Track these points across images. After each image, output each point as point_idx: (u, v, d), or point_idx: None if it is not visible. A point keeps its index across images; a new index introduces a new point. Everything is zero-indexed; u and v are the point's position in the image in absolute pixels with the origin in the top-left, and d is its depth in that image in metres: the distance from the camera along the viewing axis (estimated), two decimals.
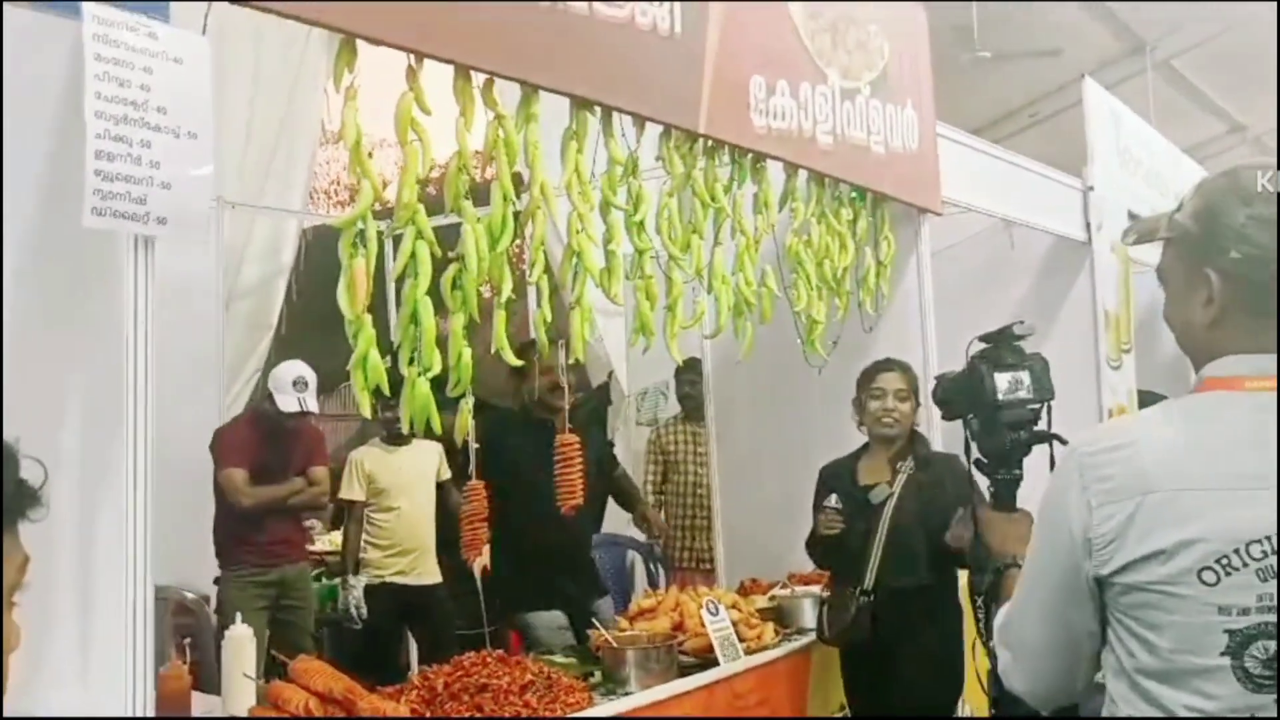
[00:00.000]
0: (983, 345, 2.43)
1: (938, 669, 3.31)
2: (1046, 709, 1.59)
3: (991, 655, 1.77)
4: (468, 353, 2.62)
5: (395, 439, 4.83)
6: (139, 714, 1.94)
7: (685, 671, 3.12)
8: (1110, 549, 1.40)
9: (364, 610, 4.82)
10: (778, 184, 3.94)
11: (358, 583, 4.87)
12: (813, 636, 3.56)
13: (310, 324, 6.70)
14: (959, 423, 2.35)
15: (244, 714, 2.39)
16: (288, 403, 4.37)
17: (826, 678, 3.55)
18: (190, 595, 4.49)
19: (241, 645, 2.69)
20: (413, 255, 2.53)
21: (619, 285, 3.11)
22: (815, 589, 3.85)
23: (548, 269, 2.98)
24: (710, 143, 3.50)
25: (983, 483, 2.26)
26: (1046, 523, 1.50)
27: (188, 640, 2.75)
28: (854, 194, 4.34)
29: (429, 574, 4.89)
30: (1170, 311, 1.58)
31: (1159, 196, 7.87)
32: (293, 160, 6.06)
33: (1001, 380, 2.27)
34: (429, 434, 2.73)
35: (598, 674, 3.10)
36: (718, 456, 5.39)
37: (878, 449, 3.52)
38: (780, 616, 3.67)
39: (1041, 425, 2.28)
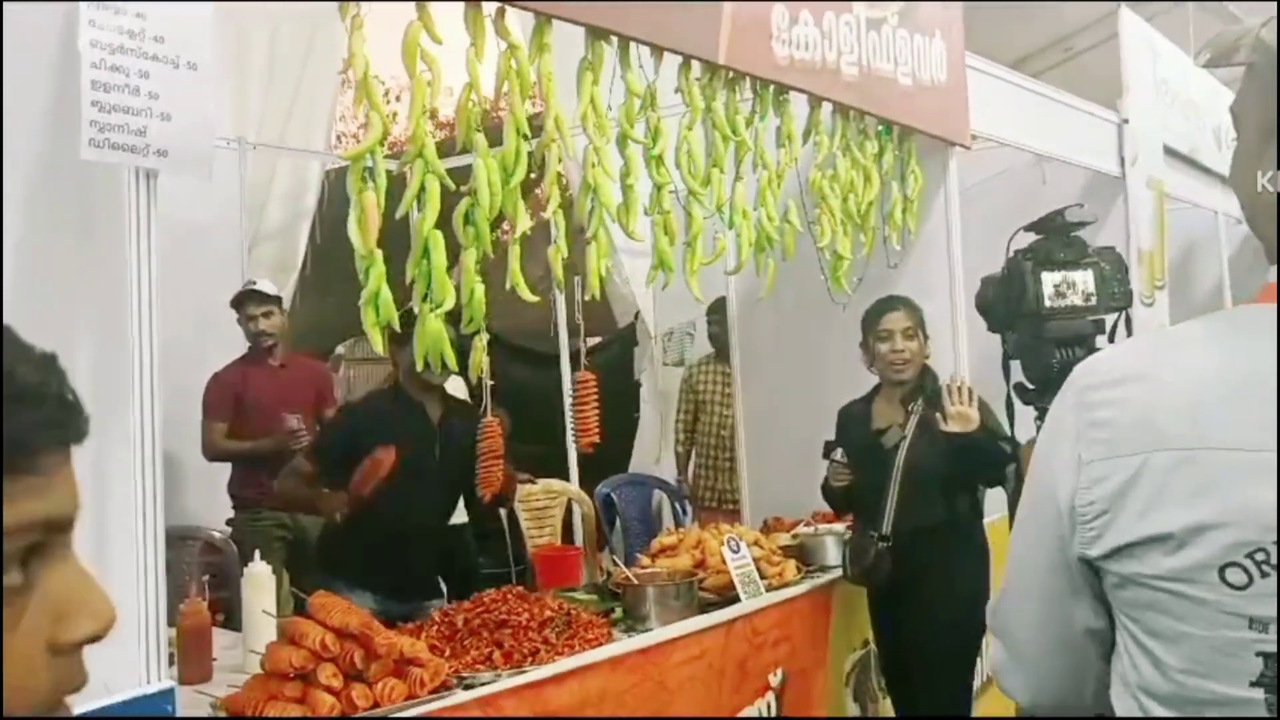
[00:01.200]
0: (1031, 237, 1.96)
1: (961, 606, 3.27)
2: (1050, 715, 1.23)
3: None
4: (481, 289, 2.59)
5: None
6: (155, 651, 1.94)
7: (706, 608, 3.12)
8: (1099, 524, 1.02)
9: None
10: (801, 117, 3.85)
11: None
12: (835, 574, 3.55)
13: (336, 266, 6.69)
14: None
15: (263, 650, 2.40)
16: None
17: (849, 615, 3.54)
18: (218, 534, 4.54)
19: (261, 582, 2.70)
20: (422, 189, 2.48)
21: (636, 221, 3.06)
22: (839, 527, 3.83)
23: (565, 205, 2.93)
24: (731, 74, 3.42)
25: (1025, 414, 1.93)
26: (1033, 482, 1.12)
27: (207, 578, 2.77)
28: (880, 127, 4.25)
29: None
30: (1240, 170, 1.05)
31: (1196, 130, 7.68)
32: (314, 102, 6.02)
33: (1048, 282, 1.81)
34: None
35: (618, 610, 3.10)
36: (743, 396, 5.36)
37: (890, 390, 3.47)
38: (803, 554, 3.65)
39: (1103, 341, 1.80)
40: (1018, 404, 1.76)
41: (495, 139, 2.69)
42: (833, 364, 5.03)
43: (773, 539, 3.77)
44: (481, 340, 2.68)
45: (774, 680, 3.20)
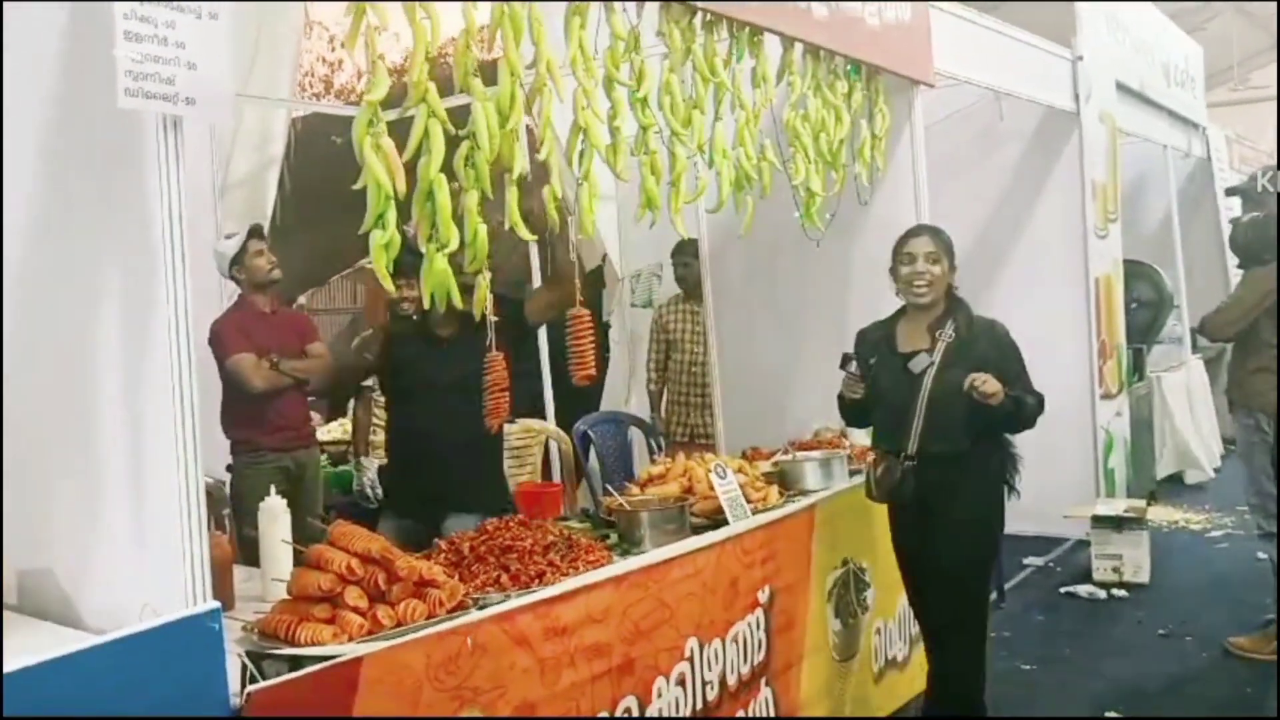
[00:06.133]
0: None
1: (978, 524, 3.46)
2: None
3: None
4: (483, 229, 2.69)
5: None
6: (199, 575, 2.06)
7: (696, 531, 3.27)
8: None
9: (379, 490, 4.96)
10: (775, 58, 3.96)
11: (370, 464, 5.01)
12: (816, 498, 3.71)
13: (305, 213, 6.71)
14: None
15: (285, 578, 2.52)
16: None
17: (830, 536, 3.72)
18: (209, 480, 4.59)
19: (276, 515, 2.82)
20: (426, 133, 2.57)
21: (624, 161, 3.16)
22: (816, 454, 3.99)
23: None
24: (709, 16, 3.52)
25: None
26: None
27: (224, 513, 2.87)
28: (849, 67, 4.36)
29: None
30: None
31: (1146, 66, 7.87)
32: (277, 49, 5.99)
33: None
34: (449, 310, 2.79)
35: (614, 536, 3.24)
36: (715, 333, 5.51)
37: (916, 315, 3.52)
38: (784, 480, 3.81)
39: None
40: None
41: (488, 79, 2.76)
42: (804, 300, 5.19)
43: (755, 466, 3.93)
44: (485, 278, 2.79)
45: (762, 597, 3.37)
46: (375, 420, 5.05)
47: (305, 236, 7.67)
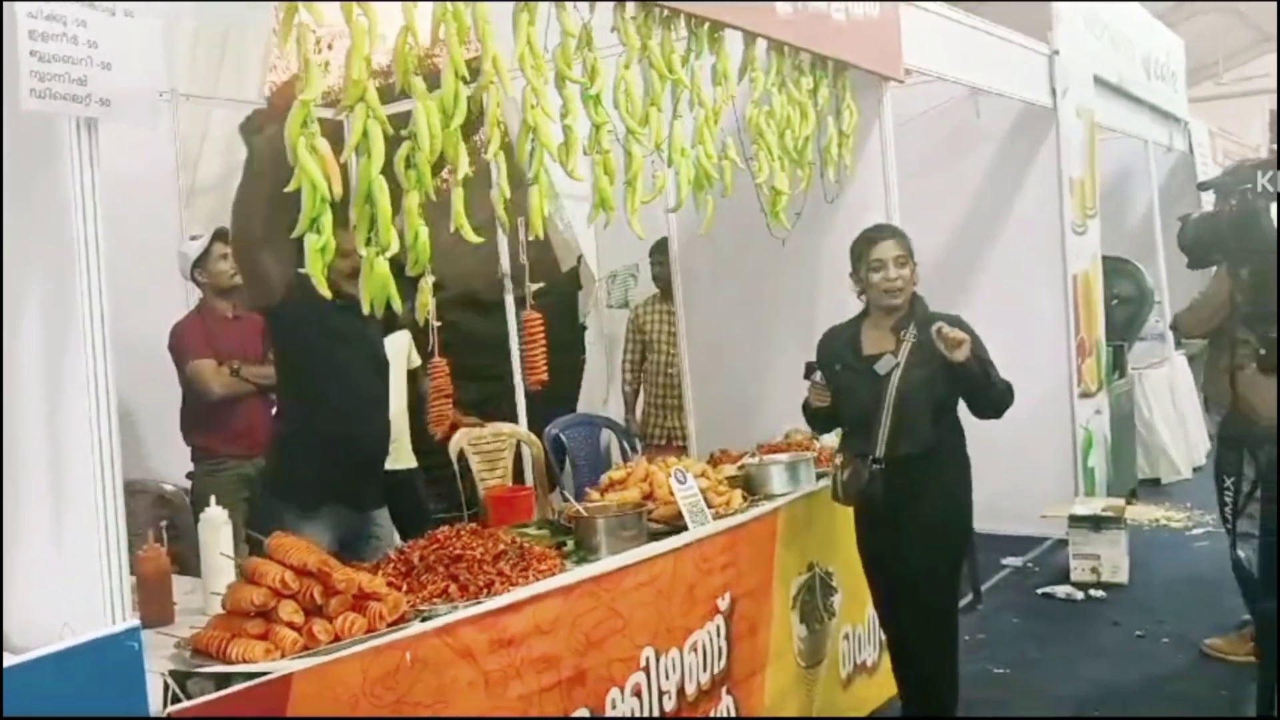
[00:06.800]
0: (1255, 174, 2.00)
1: (946, 525, 3.41)
2: None
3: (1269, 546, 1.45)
4: (425, 231, 2.63)
5: None
6: (118, 592, 1.99)
7: (655, 537, 3.20)
8: None
9: None
10: (736, 54, 3.90)
11: None
12: (780, 501, 3.65)
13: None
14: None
15: (223, 591, 2.45)
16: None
17: (794, 540, 3.66)
18: (169, 487, 4.54)
19: (217, 526, 2.74)
20: (364, 134, 2.51)
21: (576, 160, 3.10)
22: (783, 457, 3.93)
23: (506, 148, 2.96)
24: (665, 12, 3.46)
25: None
26: None
27: (164, 524, 2.80)
28: (815, 63, 4.30)
29: (404, 459, 4.94)
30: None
31: (1125, 60, 7.82)
32: (245, 52, 5.93)
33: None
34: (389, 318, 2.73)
35: (570, 543, 3.18)
36: (687, 333, 5.45)
37: (880, 317, 3.49)
38: (749, 484, 3.75)
39: None
40: (1244, 334, 1.80)
41: (435, 84, 2.71)
42: (774, 298, 5.13)
43: (719, 470, 3.87)
44: (427, 282, 2.72)
45: (722, 604, 3.31)
46: None
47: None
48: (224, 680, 2.11)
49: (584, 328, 7.62)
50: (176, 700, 2.00)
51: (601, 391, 7.45)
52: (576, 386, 7.49)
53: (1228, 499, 1.92)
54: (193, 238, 4.79)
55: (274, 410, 4.11)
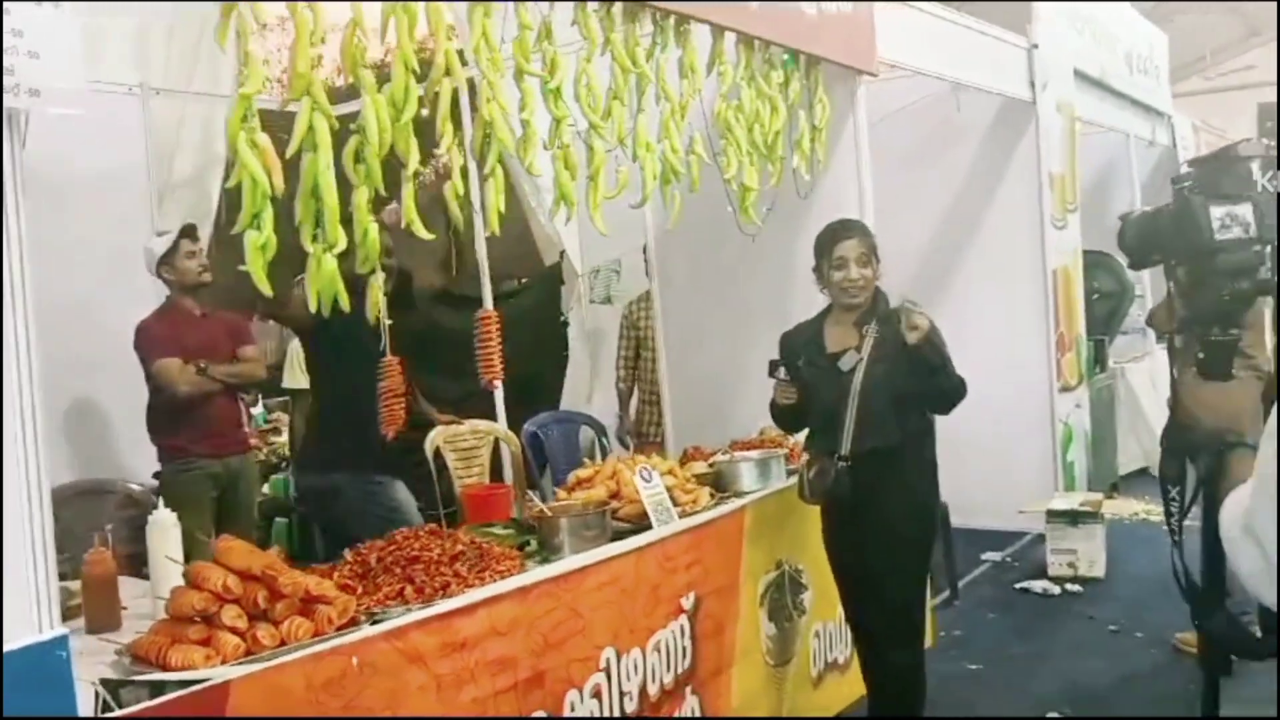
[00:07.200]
0: (1193, 171, 1.90)
1: (916, 514, 3.38)
2: None
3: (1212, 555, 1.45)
4: (375, 228, 2.59)
5: None
6: (45, 601, 1.94)
7: (621, 536, 3.17)
8: None
9: None
10: (704, 47, 3.86)
11: None
12: (749, 499, 3.62)
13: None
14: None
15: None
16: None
17: (762, 538, 3.62)
18: (136, 487, 4.50)
19: (165, 530, 2.70)
20: (310, 128, 2.46)
21: (534, 155, 3.06)
22: (754, 454, 3.89)
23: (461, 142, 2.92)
24: (628, 5, 3.41)
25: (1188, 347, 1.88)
26: None
27: (109, 527, 2.75)
28: (786, 56, 4.26)
29: None
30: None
31: (1107, 54, 7.78)
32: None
33: (1216, 215, 1.77)
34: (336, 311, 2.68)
35: (533, 543, 3.14)
36: (664, 329, 5.41)
37: (842, 314, 3.45)
38: (718, 481, 3.71)
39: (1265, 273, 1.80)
40: (1181, 340, 1.75)
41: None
42: (748, 295, 5.09)
43: (689, 467, 3.83)
44: (377, 279, 2.68)
45: (686, 603, 3.27)
46: None
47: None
48: (160, 688, 2.06)
49: (566, 324, 7.57)
50: (108, 709, 1.96)
51: (585, 388, 7.40)
52: (559, 383, 7.44)
53: (1173, 509, 1.88)
54: (160, 233, 4.74)
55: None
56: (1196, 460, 1.70)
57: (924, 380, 3.25)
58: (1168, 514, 1.90)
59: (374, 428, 3.58)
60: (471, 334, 6.21)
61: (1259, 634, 1.54)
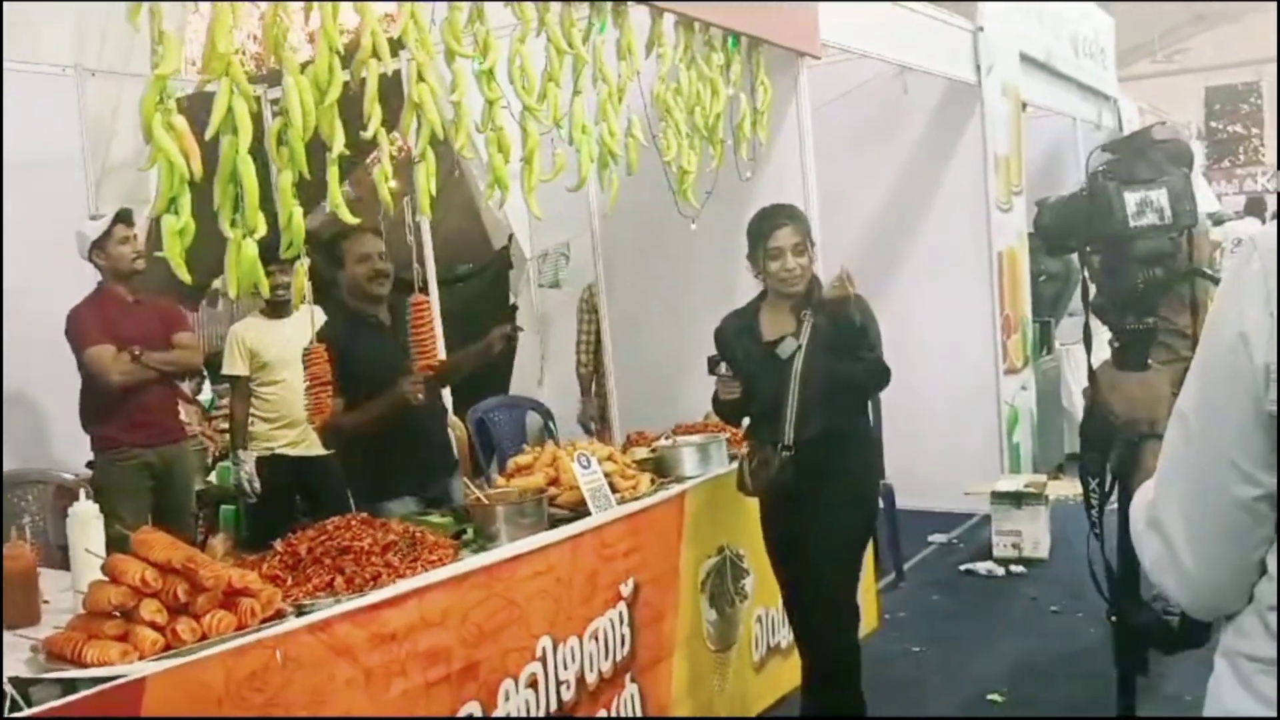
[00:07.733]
0: (1108, 156, 1.84)
1: (857, 500, 3.37)
2: (1210, 617, 1.23)
3: (1127, 548, 1.47)
4: (299, 212, 2.53)
5: (275, 310, 4.69)
6: None
7: (559, 524, 3.14)
8: None
9: (257, 484, 4.79)
10: (643, 28, 3.82)
11: (248, 457, 4.82)
12: (690, 484, 3.60)
13: (200, 197, 6.46)
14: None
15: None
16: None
17: (702, 523, 3.61)
18: (69, 477, 4.41)
19: (86, 522, 2.63)
20: (229, 110, 2.40)
21: (465, 137, 3.01)
22: (695, 439, 3.88)
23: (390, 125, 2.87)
24: None
25: (1103, 335, 1.82)
26: (1220, 350, 1.13)
27: (26, 521, 2.69)
28: (728, 38, 4.23)
29: (319, 444, 4.83)
30: None
31: (1053, 37, 7.83)
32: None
33: (1130, 201, 1.73)
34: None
35: (470, 531, 3.11)
36: (608, 314, 5.38)
37: (778, 301, 3.40)
38: (660, 467, 3.70)
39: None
40: (1096, 325, 1.74)
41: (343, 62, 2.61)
42: (690, 279, 5.08)
43: (630, 453, 3.81)
44: (302, 265, 2.63)
45: (625, 590, 3.25)
46: (253, 411, 4.86)
47: (203, 223, 7.43)
48: (73, 686, 2.01)
49: (515, 308, 7.52)
50: (18, 708, 1.91)
51: (535, 372, 7.36)
52: (508, 368, 7.40)
53: (1093, 501, 1.88)
54: (93, 217, 4.63)
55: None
56: (1110, 453, 1.70)
57: (845, 350, 3.22)
58: (1088, 506, 1.89)
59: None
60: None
61: (1176, 627, 1.54)
